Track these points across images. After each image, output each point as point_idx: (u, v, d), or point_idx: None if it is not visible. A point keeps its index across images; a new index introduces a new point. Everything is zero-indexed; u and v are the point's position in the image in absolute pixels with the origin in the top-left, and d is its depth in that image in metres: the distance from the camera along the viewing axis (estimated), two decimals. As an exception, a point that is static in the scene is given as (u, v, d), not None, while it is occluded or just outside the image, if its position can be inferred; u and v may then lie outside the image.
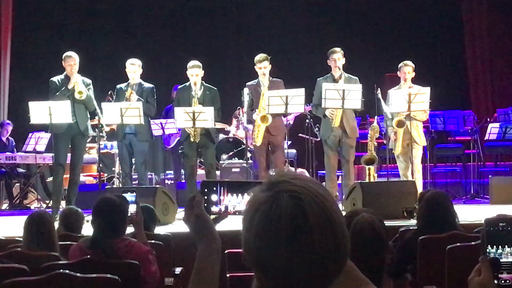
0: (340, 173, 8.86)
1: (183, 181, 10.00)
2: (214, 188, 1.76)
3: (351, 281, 1.60)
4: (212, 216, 1.73)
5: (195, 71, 8.50)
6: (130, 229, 4.38)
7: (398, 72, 8.79)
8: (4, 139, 11.24)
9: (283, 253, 1.26)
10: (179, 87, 8.82)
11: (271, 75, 8.67)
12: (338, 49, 8.56)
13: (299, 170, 10.28)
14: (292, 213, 1.26)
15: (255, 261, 1.30)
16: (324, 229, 1.27)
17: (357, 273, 1.63)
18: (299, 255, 1.25)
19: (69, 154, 8.59)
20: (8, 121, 11.47)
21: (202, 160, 9.06)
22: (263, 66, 8.54)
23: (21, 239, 4.49)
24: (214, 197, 1.76)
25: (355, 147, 8.93)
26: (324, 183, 8.91)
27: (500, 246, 1.65)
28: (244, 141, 10.60)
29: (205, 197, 1.74)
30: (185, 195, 8.92)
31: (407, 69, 8.67)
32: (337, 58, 8.48)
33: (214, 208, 1.76)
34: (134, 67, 8.61)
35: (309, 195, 1.28)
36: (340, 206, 7.87)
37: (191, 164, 8.58)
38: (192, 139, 8.37)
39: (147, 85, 8.69)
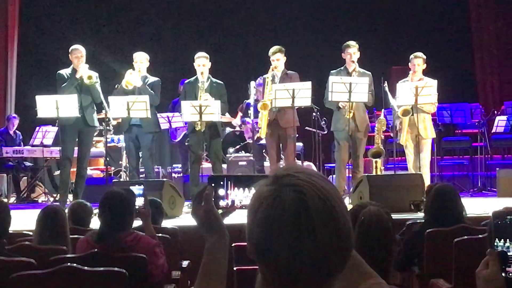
0: (349, 166, 8.85)
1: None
2: (221, 183, 1.77)
3: (358, 273, 1.60)
4: (220, 211, 1.74)
5: (202, 61, 8.55)
6: (138, 222, 4.39)
7: (409, 64, 8.72)
8: (11, 132, 11.27)
9: (285, 247, 1.26)
10: (185, 81, 8.83)
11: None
12: (353, 43, 8.53)
13: (306, 163, 10.27)
14: (295, 207, 1.27)
15: (258, 254, 1.31)
16: (327, 224, 1.27)
17: (364, 265, 1.63)
18: (301, 249, 1.26)
19: (76, 148, 8.61)
20: (14, 115, 11.49)
21: (208, 152, 9.04)
22: (275, 58, 8.54)
23: (28, 232, 4.50)
24: (221, 192, 1.77)
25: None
26: (332, 176, 8.91)
27: (507, 239, 1.65)
28: (250, 135, 10.60)
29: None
30: (190, 186, 8.91)
31: (417, 61, 8.60)
32: (353, 52, 8.45)
33: (222, 203, 1.77)
34: (140, 58, 8.65)
35: (312, 189, 1.28)
36: (348, 199, 7.87)
37: (197, 153, 8.58)
38: (197, 128, 8.38)
39: (152, 78, 8.70)
